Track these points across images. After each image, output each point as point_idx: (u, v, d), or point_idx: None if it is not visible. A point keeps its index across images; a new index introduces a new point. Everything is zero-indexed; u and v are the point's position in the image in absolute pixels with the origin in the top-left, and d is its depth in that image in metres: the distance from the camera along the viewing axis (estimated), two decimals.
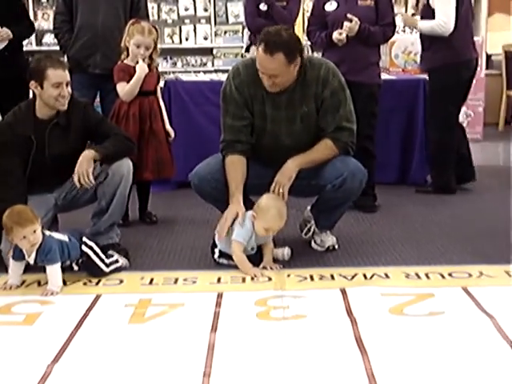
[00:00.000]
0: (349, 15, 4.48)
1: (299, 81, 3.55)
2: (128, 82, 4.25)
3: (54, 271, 3.25)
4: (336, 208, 3.70)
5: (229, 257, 3.53)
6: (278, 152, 3.58)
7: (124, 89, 4.26)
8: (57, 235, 3.35)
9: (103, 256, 3.45)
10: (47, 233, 3.32)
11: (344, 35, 4.51)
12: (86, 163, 3.54)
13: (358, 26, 4.48)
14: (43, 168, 3.63)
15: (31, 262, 3.28)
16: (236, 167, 3.57)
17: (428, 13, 5.00)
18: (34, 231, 3.19)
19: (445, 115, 5.10)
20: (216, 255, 3.59)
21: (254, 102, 3.60)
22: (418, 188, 5.38)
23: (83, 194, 3.67)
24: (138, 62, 4.24)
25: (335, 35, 4.52)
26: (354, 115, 3.67)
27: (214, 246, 3.60)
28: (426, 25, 4.99)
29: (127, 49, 4.29)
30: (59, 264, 3.27)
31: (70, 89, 3.61)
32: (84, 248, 3.38)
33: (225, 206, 3.53)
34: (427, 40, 5.09)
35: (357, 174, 3.56)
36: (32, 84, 3.62)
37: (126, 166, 3.70)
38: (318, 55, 5.23)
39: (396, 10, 5.69)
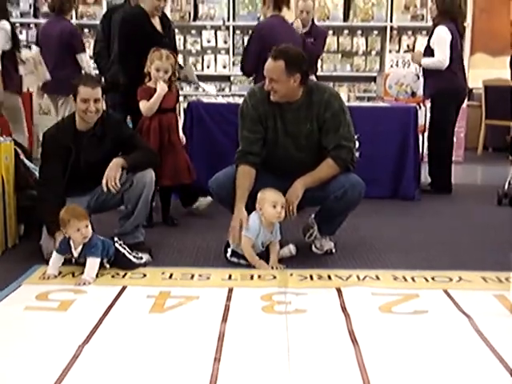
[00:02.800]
0: None
1: (305, 101, 3.56)
2: (148, 100, 4.26)
3: (94, 264, 3.27)
4: (337, 216, 3.68)
5: (239, 256, 3.52)
6: (288, 162, 3.61)
7: (145, 105, 4.28)
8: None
9: (131, 253, 3.47)
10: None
11: None
12: (114, 169, 3.54)
13: None
14: (79, 174, 3.63)
15: (76, 254, 3.31)
16: (245, 177, 3.57)
17: (429, 52, 5.62)
18: (87, 226, 3.25)
19: (443, 128, 5.61)
20: (228, 254, 3.58)
21: (268, 118, 3.62)
22: (423, 188, 5.67)
23: (111, 199, 3.66)
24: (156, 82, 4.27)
25: None
26: (354, 136, 3.66)
27: (227, 246, 3.58)
28: (427, 61, 5.62)
29: (149, 73, 4.30)
30: (99, 259, 3.30)
31: (99, 105, 3.60)
32: (117, 246, 3.41)
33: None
34: (428, 72, 5.68)
35: (356, 186, 3.55)
36: (71, 98, 3.66)
37: (149, 175, 3.68)
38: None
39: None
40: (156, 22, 4.63)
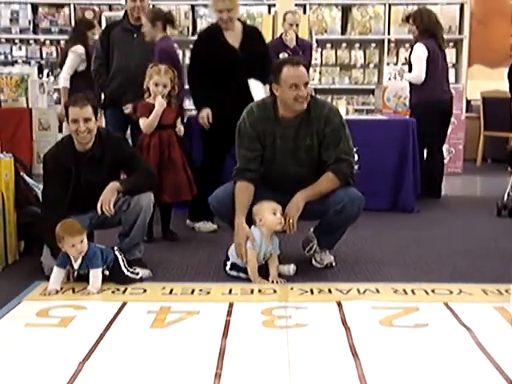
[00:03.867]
0: None
1: (304, 117, 3.58)
2: (148, 116, 4.27)
3: (97, 274, 3.33)
4: (336, 230, 3.69)
5: (239, 269, 3.53)
6: (285, 179, 3.61)
7: (145, 122, 4.29)
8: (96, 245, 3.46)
9: (127, 266, 3.49)
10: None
11: None
12: (109, 193, 3.55)
13: None
14: (80, 193, 3.64)
15: (76, 266, 3.35)
16: (243, 192, 3.58)
17: (410, 66, 6.01)
18: (81, 241, 3.30)
19: (423, 139, 5.69)
20: (227, 267, 3.58)
21: (266, 137, 3.63)
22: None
23: (111, 218, 3.65)
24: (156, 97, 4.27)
25: None
26: (353, 150, 3.69)
27: (227, 259, 3.59)
28: (407, 76, 6.02)
29: (148, 89, 4.32)
30: (101, 269, 3.35)
31: (90, 124, 3.56)
32: (116, 253, 3.46)
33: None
34: (411, 86, 6.01)
35: (356, 200, 3.55)
36: (66, 120, 3.70)
37: (146, 199, 3.68)
38: None
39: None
40: (230, 35, 4.59)
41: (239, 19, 4.73)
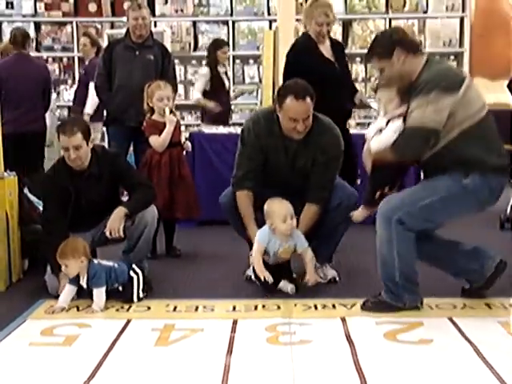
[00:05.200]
0: None
1: (305, 140, 3.59)
2: (158, 134, 4.27)
3: (99, 293, 3.33)
4: (334, 231, 3.70)
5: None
6: (285, 186, 3.63)
7: (157, 141, 4.28)
8: (105, 262, 3.43)
9: (141, 287, 3.46)
10: (95, 260, 3.41)
11: None
12: (118, 221, 3.56)
13: None
14: (81, 212, 3.67)
15: (84, 285, 3.35)
16: (246, 203, 3.64)
17: None
18: (67, 265, 3.30)
19: None
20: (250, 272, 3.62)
21: (269, 150, 3.65)
22: None
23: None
24: (164, 112, 4.27)
25: None
26: (335, 180, 3.73)
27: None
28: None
29: (151, 108, 4.32)
30: (104, 288, 3.34)
31: (81, 151, 3.56)
32: (131, 273, 3.44)
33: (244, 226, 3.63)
34: None
35: (351, 196, 3.66)
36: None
37: (150, 214, 3.72)
38: None
39: None
40: (323, 48, 4.62)
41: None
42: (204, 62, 7.04)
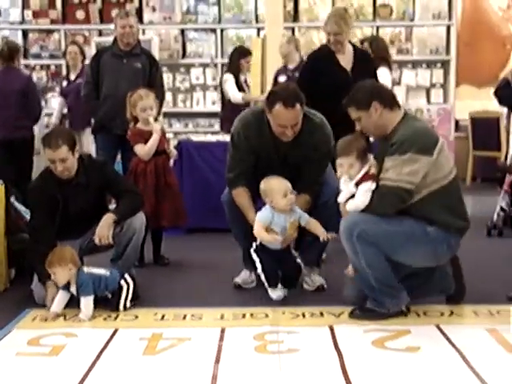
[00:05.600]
0: None
1: (296, 140, 3.58)
2: (144, 143, 4.27)
3: (86, 302, 3.32)
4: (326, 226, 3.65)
5: (262, 255, 3.52)
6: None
7: (143, 149, 4.28)
8: (96, 270, 3.42)
9: (130, 297, 3.45)
10: (85, 269, 3.40)
11: None
12: (106, 228, 3.55)
13: None
14: (69, 220, 3.65)
15: (74, 292, 3.34)
16: (243, 196, 3.65)
17: None
18: (55, 273, 3.30)
19: None
20: (253, 248, 3.56)
21: (261, 150, 3.66)
22: None
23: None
24: (148, 122, 4.27)
25: None
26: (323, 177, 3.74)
27: (254, 239, 3.55)
28: None
29: (134, 118, 4.32)
30: (92, 297, 3.33)
31: (67, 163, 3.54)
32: (122, 282, 3.43)
33: (242, 228, 3.64)
34: None
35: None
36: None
37: (139, 221, 3.72)
38: None
39: None
40: (342, 58, 4.61)
41: (351, 42, 4.77)
42: (225, 69, 7.03)
